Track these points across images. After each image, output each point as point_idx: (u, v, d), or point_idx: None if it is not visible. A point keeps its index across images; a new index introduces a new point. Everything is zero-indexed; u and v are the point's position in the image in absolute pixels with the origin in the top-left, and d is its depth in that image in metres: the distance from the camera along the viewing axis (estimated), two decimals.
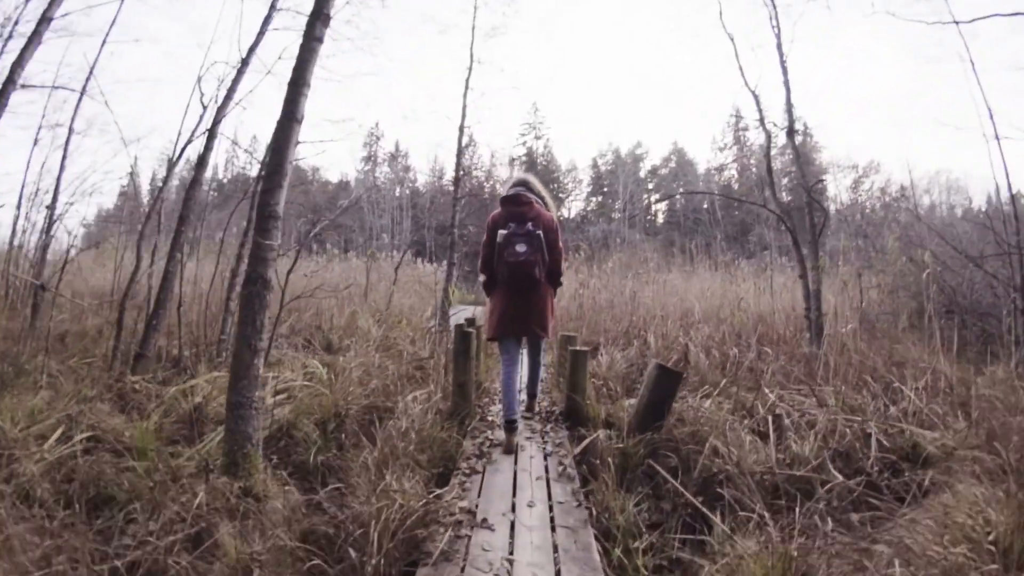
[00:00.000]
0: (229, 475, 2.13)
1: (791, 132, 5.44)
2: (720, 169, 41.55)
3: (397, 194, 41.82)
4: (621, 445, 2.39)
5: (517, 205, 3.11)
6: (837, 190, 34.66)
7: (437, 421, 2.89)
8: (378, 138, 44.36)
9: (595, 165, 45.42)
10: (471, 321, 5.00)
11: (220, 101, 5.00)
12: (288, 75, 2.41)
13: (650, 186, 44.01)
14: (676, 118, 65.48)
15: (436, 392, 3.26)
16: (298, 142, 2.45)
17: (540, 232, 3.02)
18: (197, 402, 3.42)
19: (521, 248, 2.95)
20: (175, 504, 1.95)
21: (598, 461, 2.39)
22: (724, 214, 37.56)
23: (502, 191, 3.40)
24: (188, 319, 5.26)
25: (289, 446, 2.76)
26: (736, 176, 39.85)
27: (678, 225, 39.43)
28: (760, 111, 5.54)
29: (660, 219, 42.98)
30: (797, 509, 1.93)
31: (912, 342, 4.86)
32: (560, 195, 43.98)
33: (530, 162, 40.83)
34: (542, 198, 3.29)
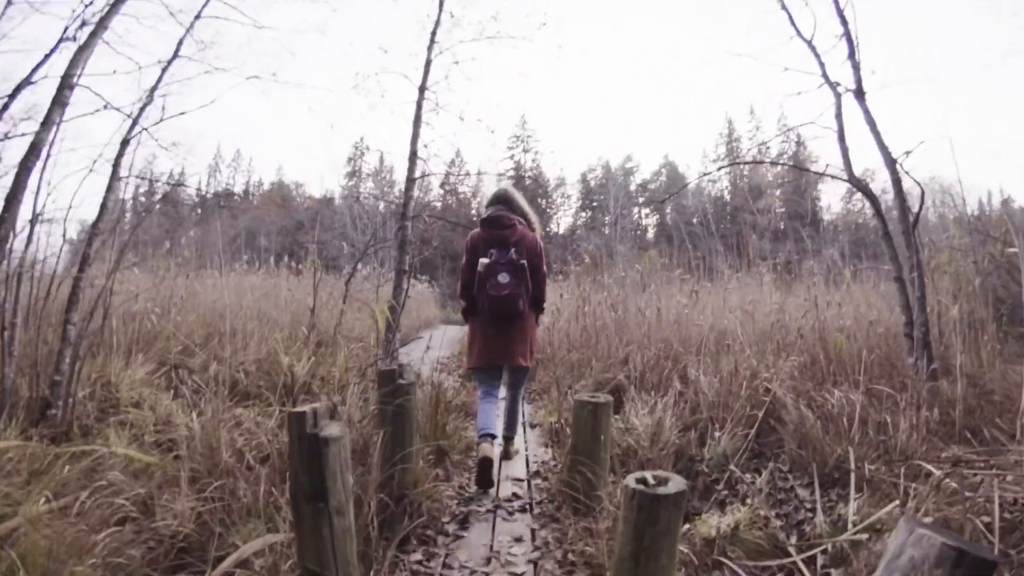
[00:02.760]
0: None
1: (860, 92, 4.11)
2: (713, 181, 40.91)
3: (381, 209, 40.32)
4: None
5: (499, 228, 2.90)
6: (829, 200, 35.70)
7: None
8: (362, 153, 43.22)
9: (584, 180, 44.51)
10: (397, 371, 2.30)
11: (83, 39, 3.54)
12: None
13: (640, 200, 43.14)
14: (667, 131, 65.51)
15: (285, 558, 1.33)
16: None
17: (524, 261, 2.84)
18: None
19: (504, 279, 2.79)
20: None
21: None
22: (717, 226, 36.63)
23: (483, 209, 3.11)
24: (32, 349, 3.70)
25: None
26: (728, 187, 39.24)
27: (669, 238, 38.35)
28: (821, 64, 4.19)
29: (650, 233, 42.01)
30: None
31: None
32: (549, 210, 42.84)
33: (518, 176, 39.70)
34: (525, 216, 3.05)
